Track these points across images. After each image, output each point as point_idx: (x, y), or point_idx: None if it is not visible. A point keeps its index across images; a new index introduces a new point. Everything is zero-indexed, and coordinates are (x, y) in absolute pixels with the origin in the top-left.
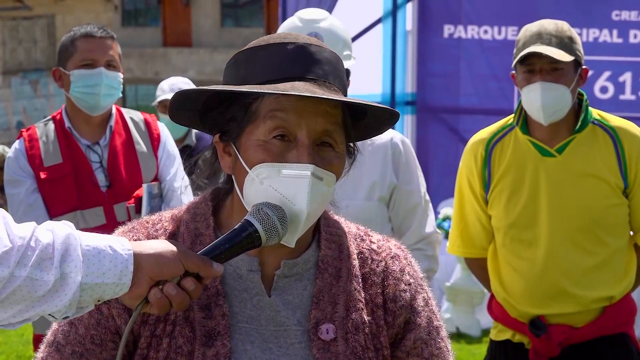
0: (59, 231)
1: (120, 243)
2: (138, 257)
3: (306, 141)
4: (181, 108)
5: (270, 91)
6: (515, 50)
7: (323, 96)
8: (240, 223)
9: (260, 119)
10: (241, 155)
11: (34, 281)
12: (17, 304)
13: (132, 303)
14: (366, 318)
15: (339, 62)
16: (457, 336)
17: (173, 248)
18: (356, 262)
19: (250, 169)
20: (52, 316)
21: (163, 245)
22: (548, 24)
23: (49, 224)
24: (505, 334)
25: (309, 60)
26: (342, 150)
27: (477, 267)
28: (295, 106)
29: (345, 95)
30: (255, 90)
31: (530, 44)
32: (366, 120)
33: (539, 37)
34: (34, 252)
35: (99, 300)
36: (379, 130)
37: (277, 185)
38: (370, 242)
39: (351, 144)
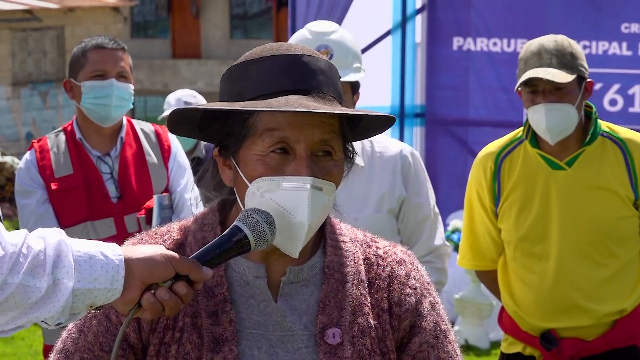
0: (50, 238)
1: (111, 249)
2: (129, 262)
3: (304, 153)
4: (179, 123)
5: (264, 108)
6: (517, 70)
7: (316, 110)
8: (229, 229)
9: (257, 134)
10: (241, 169)
11: (26, 288)
12: (10, 310)
13: (124, 308)
14: (372, 322)
15: (332, 70)
16: (466, 349)
17: (163, 251)
18: (362, 268)
19: (250, 183)
20: (45, 322)
21: (153, 249)
22: (548, 42)
23: (40, 231)
24: (516, 347)
25: (301, 72)
26: (341, 157)
27: (488, 279)
28: (291, 121)
29: (341, 102)
30: (249, 108)
31: (531, 66)
32: (363, 123)
33: (539, 58)
34: (26, 259)
35: (91, 306)
36: (376, 131)
37: (278, 198)
38: (377, 247)
39: (349, 148)
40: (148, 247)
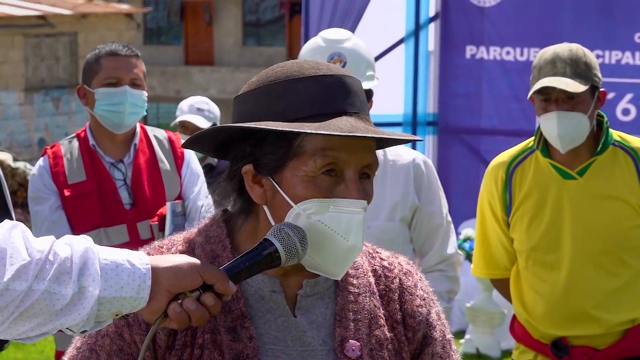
0: (77, 245)
1: (139, 257)
2: (156, 271)
3: (354, 176)
4: (201, 136)
5: (338, 133)
6: (531, 77)
7: (383, 136)
8: (260, 242)
9: (307, 155)
10: (283, 189)
11: (52, 295)
12: (35, 317)
13: (150, 317)
14: (388, 334)
15: (363, 90)
16: (477, 357)
17: (191, 260)
18: (372, 279)
19: (296, 204)
20: (70, 330)
21: (181, 258)
22: (562, 51)
23: (68, 237)
24: (528, 355)
25: (347, 94)
26: (373, 177)
27: (502, 286)
28: (345, 144)
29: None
30: (322, 132)
31: (545, 74)
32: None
33: (553, 67)
34: (52, 265)
35: (117, 315)
36: (393, 144)
37: (327, 221)
38: (380, 259)
39: None
40: (176, 255)
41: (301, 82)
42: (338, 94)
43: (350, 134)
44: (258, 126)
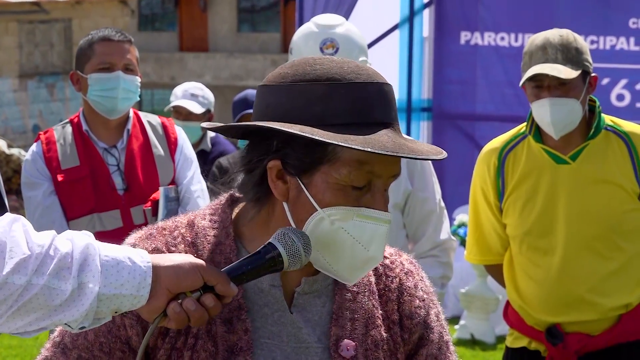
0: (78, 241)
1: (140, 255)
2: (157, 270)
3: (382, 188)
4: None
5: (384, 152)
6: (522, 64)
7: (430, 157)
8: (264, 246)
9: (340, 162)
10: (311, 192)
11: (51, 290)
12: (34, 312)
13: (149, 316)
14: (384, 335)
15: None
16: (472, 343)
17: (192, 260)
18: (372, 279)
19: (321, 208)
20: (69, 325)
21: (182, 258)
22: (553, 36)
23: (69, 233)
24: (522, 342)
25: (386, 103)
26: None
27: (496, 272)
28: (381, 158)
29: None
30: (369, 150)
31: (536, 61)
32: None
33: (544, 53)
34: (53, 260)
35: (116, 312)
36: None
37: (351, 229)
38: (383, 257)
39: None
40: (177, 255)
41: (343, 88)
42: (378, 104)
43: (395, 154)
44: (305, 134)
